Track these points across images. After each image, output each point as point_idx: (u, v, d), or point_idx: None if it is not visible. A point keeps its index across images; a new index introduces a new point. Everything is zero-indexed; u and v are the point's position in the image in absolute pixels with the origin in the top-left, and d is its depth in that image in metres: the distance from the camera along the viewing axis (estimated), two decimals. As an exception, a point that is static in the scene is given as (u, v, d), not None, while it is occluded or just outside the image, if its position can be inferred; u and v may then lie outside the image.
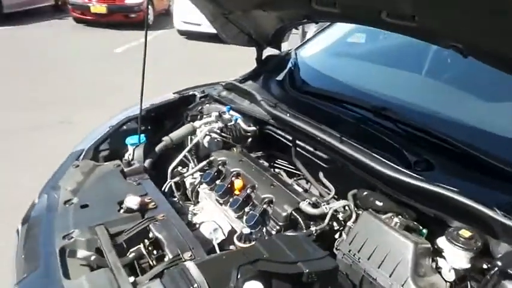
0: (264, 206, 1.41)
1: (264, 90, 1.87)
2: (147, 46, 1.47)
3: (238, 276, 0.99)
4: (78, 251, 1.11)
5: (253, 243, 1.28)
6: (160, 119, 1.98)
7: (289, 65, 2.05)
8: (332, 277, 1.09)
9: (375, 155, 1.25)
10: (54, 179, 1.48)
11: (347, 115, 1.52)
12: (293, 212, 1.34)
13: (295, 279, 1.05)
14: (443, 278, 1.12)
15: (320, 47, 2.14)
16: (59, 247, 1.13)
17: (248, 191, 1.48)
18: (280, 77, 2.04)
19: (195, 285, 0.95)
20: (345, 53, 2.09)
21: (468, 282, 1.12)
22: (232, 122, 1.86)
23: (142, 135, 1.70)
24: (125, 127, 1.77)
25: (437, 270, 1.15)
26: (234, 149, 1.82)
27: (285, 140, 1.80)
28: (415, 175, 1.16)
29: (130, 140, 1.68)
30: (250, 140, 1.93)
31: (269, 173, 1.57)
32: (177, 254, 1.12)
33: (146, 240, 1.18)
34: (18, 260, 1.21)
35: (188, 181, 1.77)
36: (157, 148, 1.73)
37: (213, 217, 1.52)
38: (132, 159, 1.58)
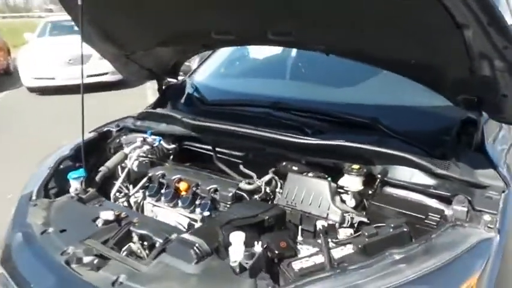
0: (212, 195, 1.76)
1: (177, 111, 2.21)
2: None
3: (223, 232, 1.34)
4: (84, 258, 1.30)
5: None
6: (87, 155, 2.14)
7: (190, 88, 2.45)
8: (283, 219, 1.52)
9: (285, 133, 1.73)
10: (16, 220, 1.57)
11: (252, 113, 1.99)
12: (236, 191, 1.72)
13: (260, 226, 1.45)
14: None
15: (211, 70, 2.61)
16: (62, 261, 1.29)
17: (194, 189, 1.81)
18: (183, 100, 2.43)
19: (197, 244, 1.27)
20: (233, 69, 2.60)
21: (364, 201, 1.66)
22: (156, 144, 2.16)
23: (82, 170, 1.88)
24: (61, 166, 1.91)
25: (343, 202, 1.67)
26: (166, 164, 2.11)
27: (202, 150, 2.18)
28: (315, 138, 1.68)
29: (72, 175, 1.84)
30: (171, 157, 2.24)
31: (205, 172, 1.92)
32: (166, 237, 1.39)
33: (135, 237, 1.43)
34: None
35: (132, 200, 1.99)
36: (97, 178, 1.92)
37: (169, 219, 1.79)
38: (86, 188, 1.76)
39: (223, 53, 2.64)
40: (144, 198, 1.97)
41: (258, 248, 1.25)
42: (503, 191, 1.41)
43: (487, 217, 1.29)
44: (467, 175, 1.46)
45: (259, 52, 2.56)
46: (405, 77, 1.57)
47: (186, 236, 1.32)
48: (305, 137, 1.69)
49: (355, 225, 1.54)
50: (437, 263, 1.10)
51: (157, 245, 1.40)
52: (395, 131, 1.67)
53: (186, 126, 2.05)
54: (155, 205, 1.92)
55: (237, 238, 1.30)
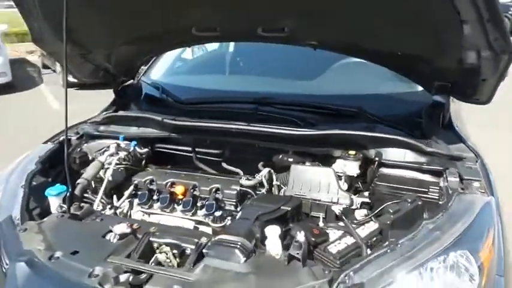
0: (215, 195, 1.72)
1: (151, 113, 2.08)
2: None
3: (258, 228, 1.35)
4: (120, 276, 1.19)
5: (225, 222, 1.63)
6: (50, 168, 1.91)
7: (151, 88, 2.32)
8: (301, 209, 1.57)
9: (279, 126, 1.78)
10: (8, 250, 1.35)
11: (238, 110, 1.98)
12: (240, 188, 1.72)
13: (284, 218, 1.49)
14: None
15: (171, 67, 2.50)
16: (95, 284, 1.17)
17: (192, 191, 1.75)
18: (148, 100, 2.30)
19: (239, 243, 1.25)
20: (199, 64, 2.54)
21: (359, 183, 1.80)
22: (132, 149, 2.01)
23: (59, 185, 1.68)
24: (34, 182, 1.68)
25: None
26: (148, 169, 1.99)
27: (176, 152, 2.11)
28: (313, 129, 1.76)
29: (51, 191, 1.64)
30: (144, 161, 2.11)
31: (199, 172, 1.87)
32: (197, 242, 1.34)
33: (164, 247, 1.34)
34: None
35: (117, 211, 1.84)
36: (77, 192, 1.73)
37: (173, 224, 1.71)
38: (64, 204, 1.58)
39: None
40: (131, 207, 1.84)
41: (301, 237, 1.29)
42: (476, 161, 1.66)
43: (476, 184, 1.51)
44: (447, 150, 1.68)
45: (225, 45, 2.53)
46: (388, 68, 1.74)
47: (225, 236, 1.30)
48: (303, 129, 1.75)
49: (359, 205, 1.66)
50: (463, 227, 1.27)
51: (187, 251, 1.34)
52: (379, 117, 1.83)
53: (166, 128, 1.96)
54: (147, 213, 1.81)
55: (273, 231, 1.33)
